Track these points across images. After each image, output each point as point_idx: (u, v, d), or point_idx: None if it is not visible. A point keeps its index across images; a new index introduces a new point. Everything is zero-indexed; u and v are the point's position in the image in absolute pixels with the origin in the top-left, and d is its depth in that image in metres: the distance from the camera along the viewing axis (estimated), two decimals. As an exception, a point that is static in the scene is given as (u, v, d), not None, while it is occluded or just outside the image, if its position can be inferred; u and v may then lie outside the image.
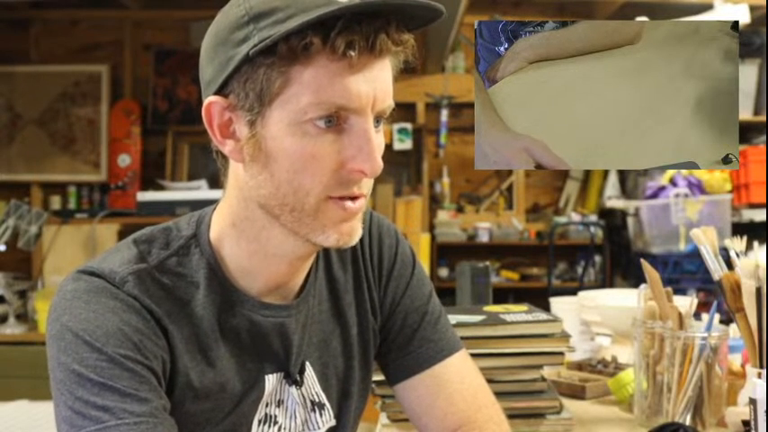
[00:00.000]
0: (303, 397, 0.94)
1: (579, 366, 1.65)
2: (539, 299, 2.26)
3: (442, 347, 1.02)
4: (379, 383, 1.19)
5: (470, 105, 4.98)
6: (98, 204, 5.05)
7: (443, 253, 5.20)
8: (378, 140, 0.82)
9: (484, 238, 5.16)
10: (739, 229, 4.19)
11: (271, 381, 0.91)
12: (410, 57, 0.83)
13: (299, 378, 0.93)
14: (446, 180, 5.35)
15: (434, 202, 5.36)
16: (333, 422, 0.97)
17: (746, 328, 1.23)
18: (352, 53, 0.76)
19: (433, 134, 5.30)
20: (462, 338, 1.21)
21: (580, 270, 5.18)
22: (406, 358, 1.02)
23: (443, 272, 5.19)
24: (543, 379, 1.27)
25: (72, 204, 5.07)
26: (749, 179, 4.56)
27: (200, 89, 0.86)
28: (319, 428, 0.95)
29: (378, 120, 0.83)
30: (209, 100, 0.82)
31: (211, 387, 0.86)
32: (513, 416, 1.20)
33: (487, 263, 1.94)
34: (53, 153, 5.14)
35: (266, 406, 0.91)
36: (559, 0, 5.24)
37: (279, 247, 0.86)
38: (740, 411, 1.20)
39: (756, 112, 4.87)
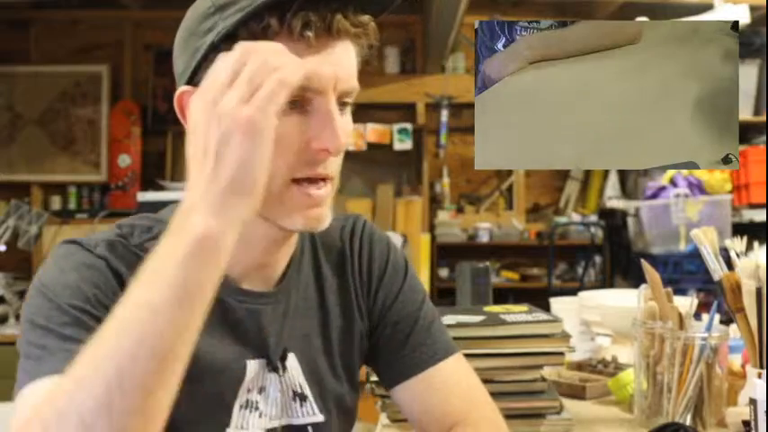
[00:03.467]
0: (285, 385, 0.94)
1: (579, 366, 1.65)
2: (539, 299, 2.26)
3: (436, 351, 1.02)
4: (378, 383, 1.19)
5: (470, 105, 4.98)
6: (98, 204, 5.06)
7: (443, 253, 5.20)
8: (342, 121, 0.83)
9: (484, 238, 5.16)
10: (739, 229, 4.19)
11: (252, 366, 0.91)
12: (373, 41, 0.86)
13: (279, 366, 0.93)
14: (446, 180, 5.35)
15: (434, 203, 5.36)
16: (319, 417, 0.96)
17: (746, 328, 1.23)
18: (309, 33, 0.78)
19: (433, 134, 5.30)
20: (462, 338, 1.21)
21: (580, 270, 5.18)
22: (399, 362, 1.03)
23: (443, 272, 5.19)
24: (543, 379, 1.27)
25: (72, 204, 5.07)
26: (749, 179, 4.56)
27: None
28: (299, 418, 0.94)
29: (343, 103, 0.85)
30: (181, 90, 0.85)
31: None
32: (513, 416, 1.20)
33: (487, 263, 1.94)
34: (53, 153, 5.14)
35: (248, 392, 0.90)
36: (559, 0, 5.24)
37: (251, 231, 0.86)
38: (740, 411, 1.20)
39: (756, 112, 4.87)
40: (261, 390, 0.92)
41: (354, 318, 1.02)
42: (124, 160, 5.10)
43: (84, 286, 0.81)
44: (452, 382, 1.02)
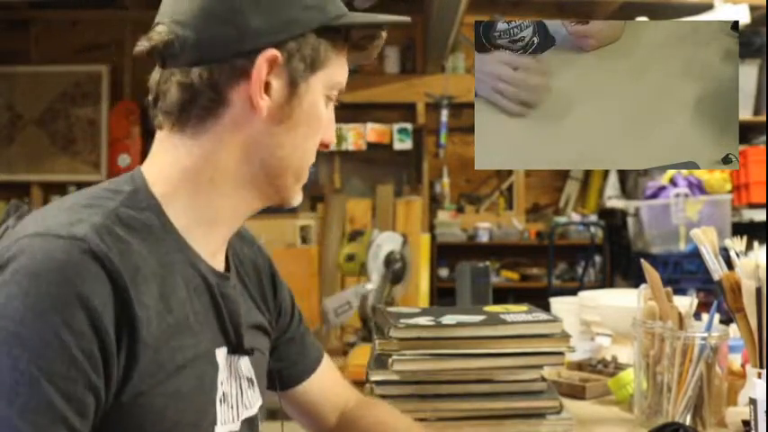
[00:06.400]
0: (242, 373, 0.90)
1: (579, 366, 1.65)
2: (539, 299, 2.26)
3: (320, 346, 1.14)
4: (378, 383, 1.19)
5: (470, 105, 4.97)
6: (98, 204, 5.05)
7: (443, 253, 5.20)
8: None
9: (484, 238, 5.16)
10: (739, 229, 4.19)
11: (221, 355, 0.86)
12: None
13: (244, 353, 0.90)
14: (446, 180, 5.35)
15: (434, 203, 5.36)
16: (260, 401, 0.95)
17: (746, 328, 1.23)
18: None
19: (433, 134, 5.30)
20: (462, 338, 1.21)
21: (580, 270, 5.18)
22: (301, 360, 1.09)
23: (443, 272, 5.19)
24: (543, 379, 1.27)
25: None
26: (749, 179, 4.56)
27: None
28: (253, 407, 0.92)
29: None
30: (272, 53, 0.80)
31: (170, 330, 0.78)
32: (513, 416, 1.21)
33: (487, 263, 1.94)
34: (53, 153, 5.14)
35: (222, 384, 0.85)
36: (559, 0, 5.24)
37: (232, 205, 0.86)
38: (740, 411, 1.20)
39: (756, 112, 4.87)
40: (227, 379, 0.87)
41: (263, 311, 1.00)
42: (124, 160, 5.10)
43: (67, 334, 0.68)
44: (336, 373, 1.15)
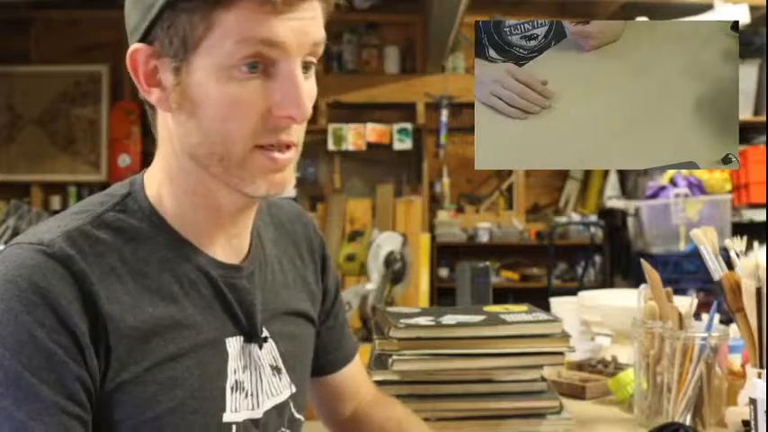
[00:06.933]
0: (264, 361, 0.91)
1: (579, 366, 1.65)
2: (539, 299, 2.26)
3: (355, 341, 1.14)
4: (378, 383, 1.19)
5: (470, 105, 4.98)
6: (98, 204, 5.05)
7: (443, 253, 5.20)
8: (307, 86, 0.81)
9: (484, 238, 5.16)
10: (739, 229, 4.19)
11: (233, 343, 0.87)
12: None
13: (260, 341, 0.90)
14: (446, 180, 5.36)
15: (434, 203, 5.36)
16: (293, 389, 0.95)
17: (746, 328, 1.23)
18: None
19: (433, 134, 5.30)
20: (462, 338, 1.21)
21: (580, 270, 5.18)
22: (337, 350, 1.10)
23: (443, 272, 5.19)
24: (543, 379, 1.27)
25: (72, 204, 5.07)
26: (749, 179, 4.56)
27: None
28: (281, 394, 0.93)
29: (307, 66, 0.82)
30: (134, 47, 0.81)
31: (167, 323, 0.81)
32: (513, 416, 1.21)
33: (487, 263, 1.94)
34: (53, 153, 5.15)
35: (234, 372, 0.87)
36: (559, 0, 5.24)
37: (217, 199, 0.85)
38: (740, 411, 1.20)
39: (756, 112, 4.87)
40: (244, 368, 0.88)
41: (316, 300, 1.03)
42: (124, 160, 5.10)
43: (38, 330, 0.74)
44: (362, 369, 1.17)
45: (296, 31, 0.78)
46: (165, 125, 0.85)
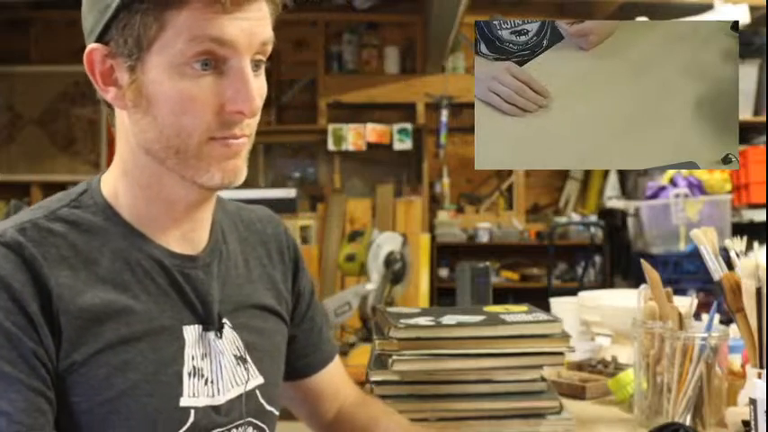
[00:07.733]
0: (226, 350, 0.93)
1: (579, 366, 1.65)
2: (539, 299, 2.26)
3: (334, 344, 1.16)
4: (378, 383, 1.19)
5: (470, 105, 4.97)
6: (98, 204, 5.05)
7: (443, 253, 5.20)
8: (257, 83, 0.85)
9: (484, 238, 5.16)
10: (739, 229, 4.19)
11: (190, 331, 0.89)
12: (287, 0, 0.87)
13: (218, 331, 0.92)
14: (446, 180, 5.35)
15: (434, 203, 5.36)
16: (260, 379, 0.96)
17: (746, 328, 1.23)
18: None
19: (433, 134, 5.29)
20: (462, 338, 1.21)
21: (580, 270, 5.18)
22: (314, 353, 1.11)
23: (443, 272, 5.19)
24: (543, 379, 1.27)
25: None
26: (749, 179, 4.56)
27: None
28: (246, 383, 0.94)
29: (257, 63, 0.85)
30: (90, 47, 0.84)
31: (116, 308, 0.84)
32: (513, 416, 1.21)
33: (487, 263, 1.94)
34: (53, 153, 5.15)
35: (192, 359, 0.89)
36: (559, 0, 5.24)
37: (172, 192, 0.88)
38: (740, 411, 1.20)
39: (756, 112, 4.87)
40: (204, 356, 0.90)
41: (283, 299, 1.04)
42: (124, 160, 5.10)
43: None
44: (343, 371, 1.17)
45: (245, 31, 0.81)
46: (122, 123, 0.88)
